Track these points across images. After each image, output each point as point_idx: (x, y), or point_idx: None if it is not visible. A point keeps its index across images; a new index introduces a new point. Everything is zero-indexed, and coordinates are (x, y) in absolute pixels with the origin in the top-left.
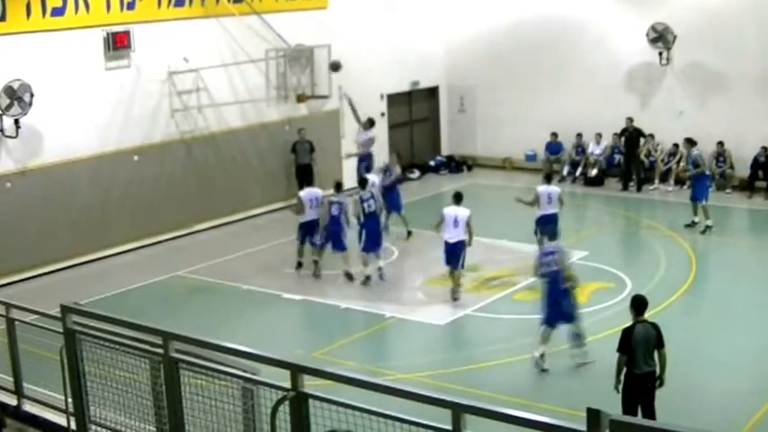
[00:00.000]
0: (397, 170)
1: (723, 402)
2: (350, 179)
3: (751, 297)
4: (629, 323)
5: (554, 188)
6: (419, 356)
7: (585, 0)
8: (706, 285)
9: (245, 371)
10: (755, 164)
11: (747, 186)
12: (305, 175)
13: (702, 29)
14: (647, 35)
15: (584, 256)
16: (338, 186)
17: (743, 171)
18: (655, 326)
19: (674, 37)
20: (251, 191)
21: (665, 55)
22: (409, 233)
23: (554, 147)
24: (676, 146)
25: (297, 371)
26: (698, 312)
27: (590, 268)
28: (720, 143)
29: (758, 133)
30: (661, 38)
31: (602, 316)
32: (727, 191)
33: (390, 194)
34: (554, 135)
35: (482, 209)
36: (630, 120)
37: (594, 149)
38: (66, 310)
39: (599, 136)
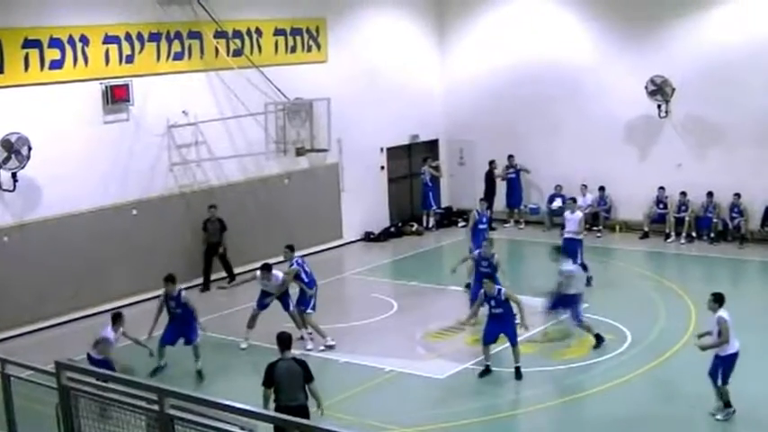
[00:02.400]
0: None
1: None
2: (352, 230)
3: (752, 347)
4: (631, 374)
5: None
6: (420, 410)
7: (584, 54)
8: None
9: (242, 428)
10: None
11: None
12: (213, 254)
13: (701, 81)
14: (646, 88)
15: (583, 308)
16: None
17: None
18: None
19: (673, 90)
20: (250, 245)
21: (663, 107)
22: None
23: (554, 199)
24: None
25: (293, 428)
26: (696, 365)
27: (589, 320)
28: (710, 193)
29: (757, 186)
30: (660, 90)
31: (604, 368)
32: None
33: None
34: (558, 187)
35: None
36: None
37: (582, 201)
38: (60, 366)
39: (584, 187)
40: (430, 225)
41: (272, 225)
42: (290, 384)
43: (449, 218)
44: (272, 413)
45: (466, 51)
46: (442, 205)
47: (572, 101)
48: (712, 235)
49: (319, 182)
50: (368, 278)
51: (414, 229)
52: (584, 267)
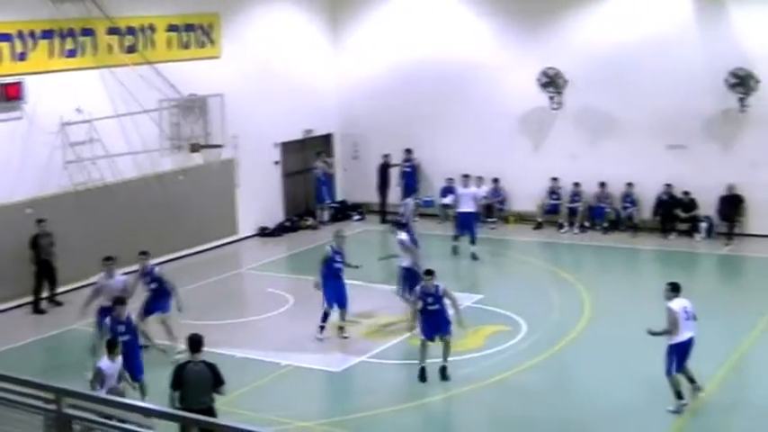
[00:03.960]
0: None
1: None
2: (247, 225)
3: (642, 335)
4: (526, 364)
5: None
6: (317, 404)
7: (477, 47)
8: (599, 325)
9: (140, 426)
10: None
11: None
12: (48, 272)
13: (593, 73)
14: (539, 80)
15: (478, 299)
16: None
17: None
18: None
19: (565, 81)
20: (146, 241)
21: (556, 99)
22: None
23: (449, 192)
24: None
25: (192, 425)
26: (592, 351)
27: (485, 311)
28: (602, 183)
29: (649, 175)
30: (552, 82)
31: (500, 358)
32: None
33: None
34: (450, 180)
35: (374, 255)
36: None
37: (476, 193)
38: None
39: (479, 179)
40: (324, 219)
41: (168, 221)
42: (198, 387)
43: (343, 212)
44: (170, 411)
45: (360, 46)
46: (337, 199)
47: (466, 94)
48: (605, 225)
49: (214, 178)
50: (263, 273)
51: (309, 223)
52: (473, 241)
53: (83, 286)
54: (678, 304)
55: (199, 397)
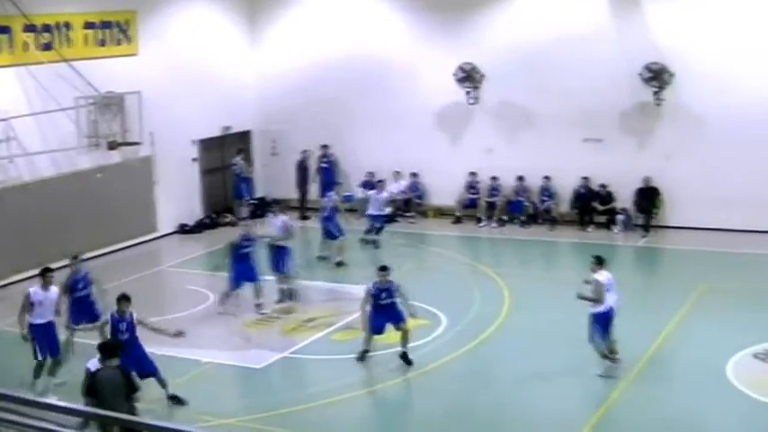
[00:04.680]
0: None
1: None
2: (166, 222)
3: (562, 324)
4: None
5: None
6: (238, 400)
7: (395, 43)
8: (520, 317)
9: (64, 426)
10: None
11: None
12: None
13: (509, 68)
14: (455, 75)
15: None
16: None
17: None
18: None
19: (482, 76)
20: (67, 239)
21: (472, 94)
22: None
23: (370, 186)
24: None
25: (107, 423)
26: (513, 344)
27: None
28: (520, 177)
29: (566, 169)
30: (469, 77)
31: (421, 352)
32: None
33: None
34: (370, 174)
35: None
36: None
37: (395, 188)
38: None
39: (397, 174)
40: (244, 215)
41: (86, 219)
42: (112, 394)
43: (262, 208)
44: (92, 409)
45: (278, 42)
46: (256, 195)
47: (383, 89)
48: (523, 218)
49: (132, 175)
50: (183, 270)
51: (228, 220)
52: (370, 231)
53: (7, 284)
54: (604, 276)
55: (114, 404)
